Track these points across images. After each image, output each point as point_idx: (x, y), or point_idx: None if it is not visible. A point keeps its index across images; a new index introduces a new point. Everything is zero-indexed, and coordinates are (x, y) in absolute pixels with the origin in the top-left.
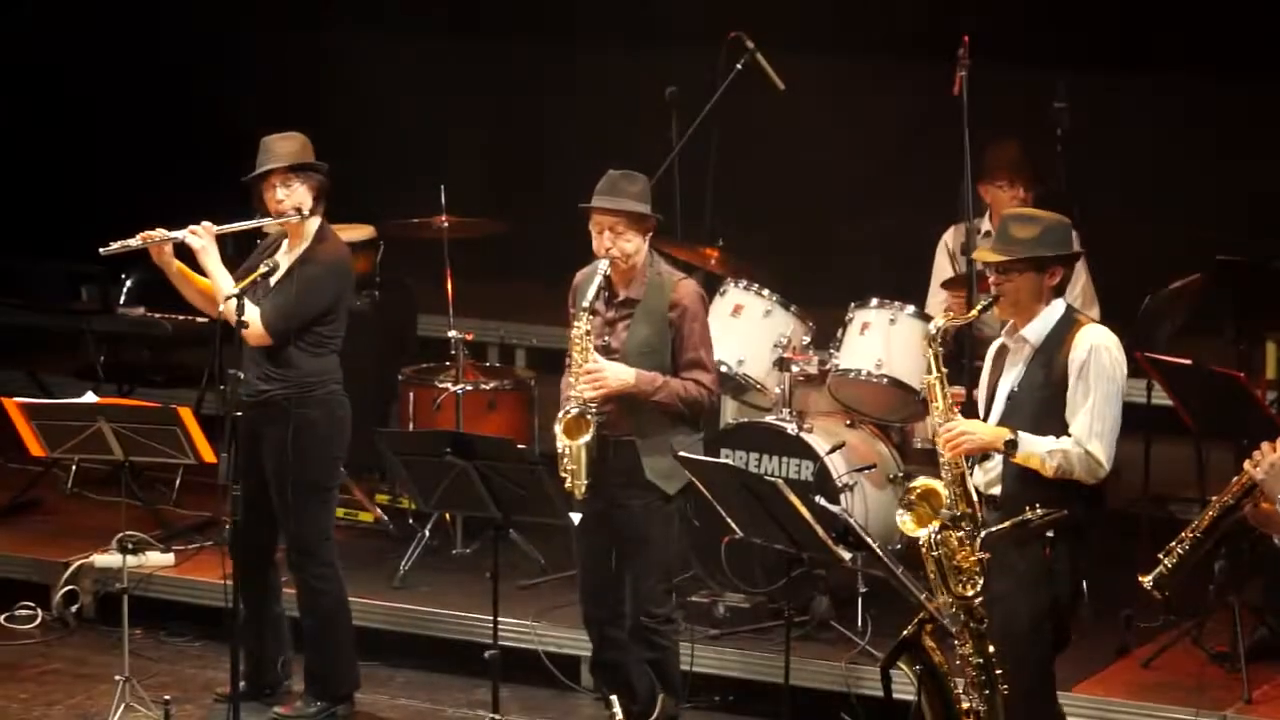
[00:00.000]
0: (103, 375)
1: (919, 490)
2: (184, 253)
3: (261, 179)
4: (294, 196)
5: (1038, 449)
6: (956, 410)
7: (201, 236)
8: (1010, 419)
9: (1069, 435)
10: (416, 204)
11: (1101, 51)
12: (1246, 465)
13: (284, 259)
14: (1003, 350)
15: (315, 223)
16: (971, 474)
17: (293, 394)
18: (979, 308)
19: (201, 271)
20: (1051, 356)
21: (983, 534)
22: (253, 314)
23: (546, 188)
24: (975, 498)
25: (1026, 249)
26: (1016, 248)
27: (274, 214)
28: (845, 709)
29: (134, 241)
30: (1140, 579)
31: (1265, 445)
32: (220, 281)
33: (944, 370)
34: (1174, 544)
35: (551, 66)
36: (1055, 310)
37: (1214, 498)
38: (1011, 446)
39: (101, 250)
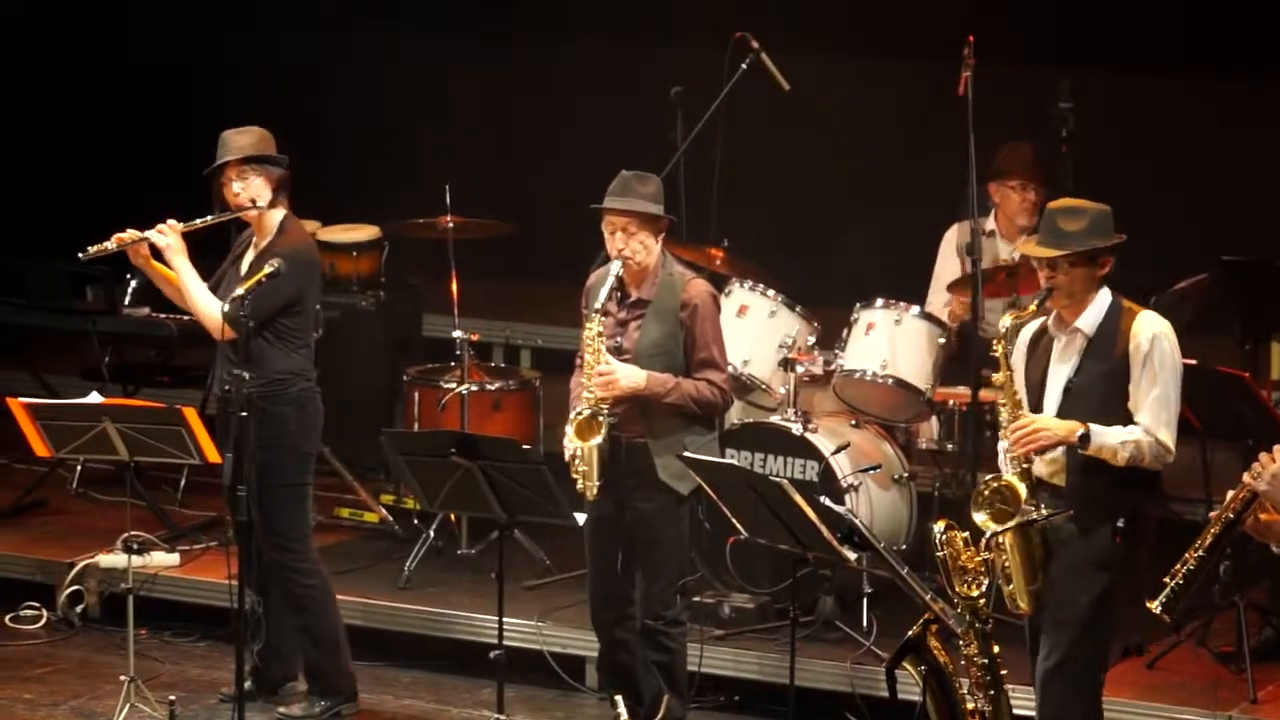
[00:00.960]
0: (107, 375)
1: (993, 487)
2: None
3: (219, 173)
4: (250, 189)
5: (1110, 440)
6: (1025, 407)
7: (166, 234)
8: (1071, 411)
9: (1135, 424)
10: (421, 204)
11: (1105, 51)
12: (1246, 478)
13: (251, 253)
14: (1042, 341)
15: (278, 215)
16: (1031, 464)
17: (264, 391)
18: (1037, 301)
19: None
20: (1109, 346)
21: (987, 534)
22: (215, 307)
23: (552, 188)
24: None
25: (1079, 241)
26: (1069, 241)
27: (232, 207)
28: (850, 709)
29: (109, 244)
30: (1148, 604)
31: (1264, 456)
32: (186, 277)
33: (1014, 368)
34: (1178, 565)
35: (557, 66)
36: (1104, 299)
37: (1213, 514)
38: (1084, 440)
39: (80, 255)
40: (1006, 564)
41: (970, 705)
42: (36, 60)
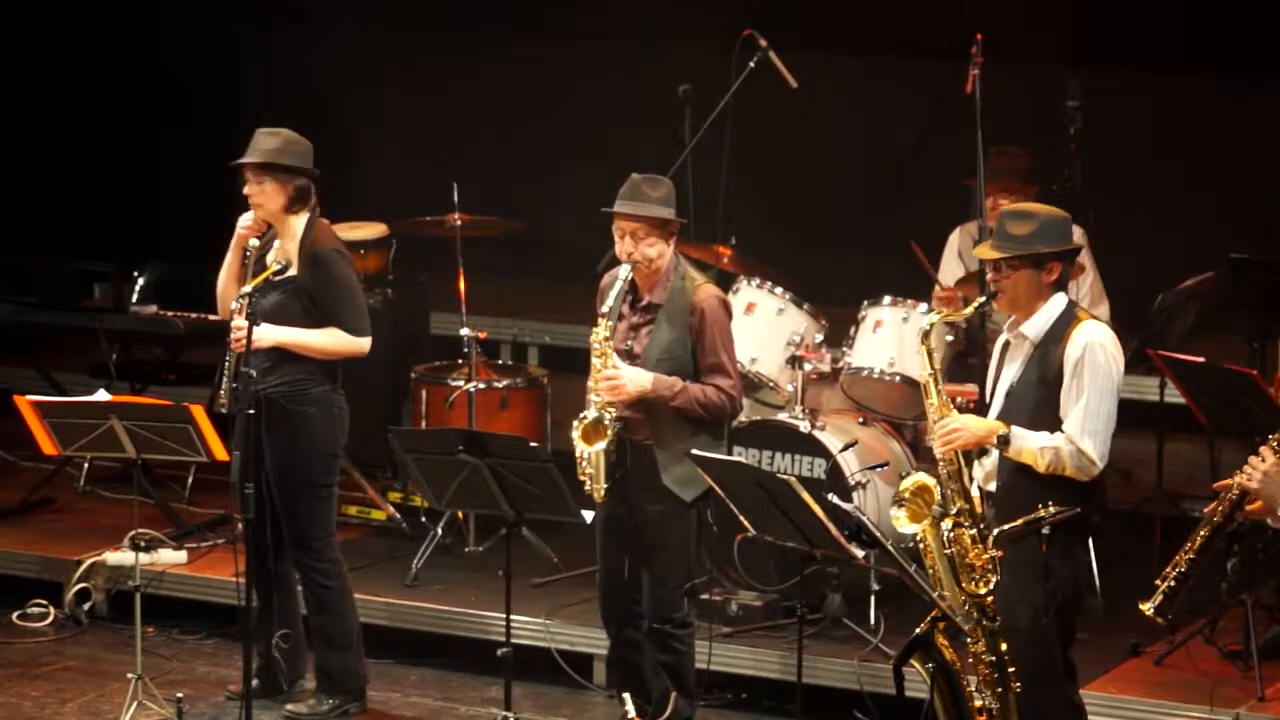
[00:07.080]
0: (115, 373)
1: (912, 487)
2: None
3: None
4: (262, 193)
5: (1030, 444)
6: (952, 407)
7: (264, 338)
8: (1008, 415)
9: (1062, 432)
10: (430, 201)
11: (1112, 51)
12: (1238, 477)
13: (271, 254)
14: (1006, 346)
15: (300, 222)
16: (970, 470)
17: (287, 391)
18: (974, 305)
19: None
20: (1048, 353)
21: (995, 531)
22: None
23: (559, 185)
24: (974, 493)
25: (1022, 245)
26: (1013, 244)
27: (252, 205)
28: (858, 707)
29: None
30: (1141, 606)
31: (1253, 459)
32: (298, 340)
33: (937, 368)
34: (1169, 568)
35: (566, 64)
36: (1056, 306)
37: (1202, 518)
38: (1004, 441)
39: (222, 410)
40: (932, 567)
41: (978, 703)
42: (37, 60)
